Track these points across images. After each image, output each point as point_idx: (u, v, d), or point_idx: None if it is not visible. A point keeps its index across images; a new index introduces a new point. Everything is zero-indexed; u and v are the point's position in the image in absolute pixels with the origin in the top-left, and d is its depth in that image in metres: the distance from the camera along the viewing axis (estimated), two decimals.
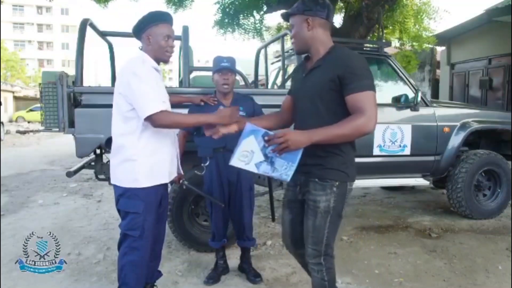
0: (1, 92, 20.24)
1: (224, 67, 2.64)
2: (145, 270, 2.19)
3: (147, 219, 2.08)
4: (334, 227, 1.80)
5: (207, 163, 2.71)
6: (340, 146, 1.73)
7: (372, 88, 1.66)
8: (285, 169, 1.69)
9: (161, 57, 2.13)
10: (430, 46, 9.68)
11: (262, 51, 4.69)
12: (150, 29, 2.08)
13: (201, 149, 2.74)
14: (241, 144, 1.72)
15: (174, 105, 2.45)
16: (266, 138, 1.66)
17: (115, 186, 2.10)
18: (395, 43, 8.40)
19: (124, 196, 2.06)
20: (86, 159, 3.54)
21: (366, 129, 1.61)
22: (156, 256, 2.37)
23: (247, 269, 2.85)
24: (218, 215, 2.76)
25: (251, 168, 1.73)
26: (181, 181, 2.66)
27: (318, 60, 1.78)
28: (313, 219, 1.78)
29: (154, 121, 1.96)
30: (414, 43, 8.13)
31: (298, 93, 1.88)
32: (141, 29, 2.10)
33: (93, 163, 3.41)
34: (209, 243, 2.88)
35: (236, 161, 1.72)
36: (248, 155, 1.71)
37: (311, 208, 1.78)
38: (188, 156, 2.81)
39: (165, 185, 2.24)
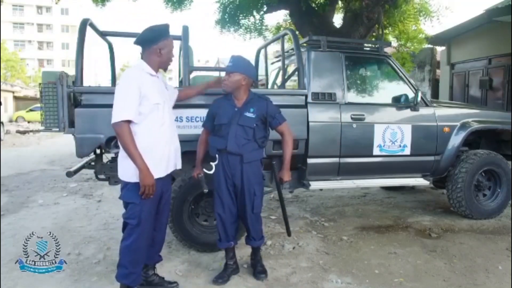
0: (1, 92, 20.22)
1: (224, 68, 2.72)
2: (141, 255, 2.38)
3: (143, 209, 2.30)
4: None
5: (216, 162, 2.76)
6: None
7: None
8: None
9: (165, 67, 2.40)
10: (429, 46, 9.66)
11: (262, 51, 4.68)
12: (162, 42, 2.31)
13: (210, 148, 2.80)
14: None
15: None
16: None
17: (121, 180, 2.35)
18: (394, 43, 8.40)
19: (125, 188, 2.33)
20: (86, 159, 3.55)
21: None
22: (157, 242, 2.58)
23: (254, 266, 2.90)
24: (221, 216, 2.75)
25: None
26: (198, 175, 2.83)
27: None
28: None
29: (114, 129, 2.19)
30: (414, 44, 8.13)
31: None
32: (152, 41, 2.29)
33: (93, 163, 3.42)
34: (217, 243, 2.88)
35: None
36: None
37: None
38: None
39: (165, 179, 2.44)
